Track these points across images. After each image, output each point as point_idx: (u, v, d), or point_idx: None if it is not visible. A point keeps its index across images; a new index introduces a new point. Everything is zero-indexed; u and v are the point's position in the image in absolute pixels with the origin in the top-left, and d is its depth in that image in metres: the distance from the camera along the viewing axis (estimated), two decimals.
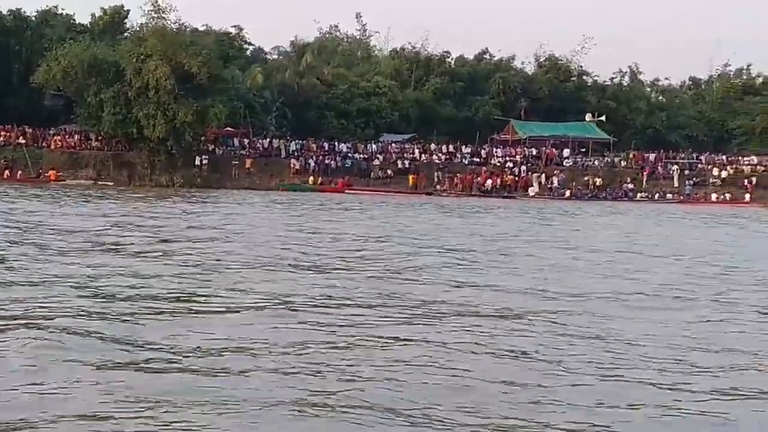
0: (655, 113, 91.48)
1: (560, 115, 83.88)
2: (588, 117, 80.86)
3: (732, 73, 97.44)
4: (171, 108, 64.02)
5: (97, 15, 76.40)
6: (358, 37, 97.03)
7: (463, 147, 75.32)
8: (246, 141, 70.85)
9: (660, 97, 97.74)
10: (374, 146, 73.72)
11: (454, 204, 52.91)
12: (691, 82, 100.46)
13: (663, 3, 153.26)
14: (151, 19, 67.31)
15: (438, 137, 79.32)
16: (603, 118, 79.86)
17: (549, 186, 71.41)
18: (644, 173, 73.75)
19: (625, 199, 70.32)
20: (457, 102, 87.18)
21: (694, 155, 78.49)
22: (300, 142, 72.20)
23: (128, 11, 74.41)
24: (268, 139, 71.88)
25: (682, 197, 71.11)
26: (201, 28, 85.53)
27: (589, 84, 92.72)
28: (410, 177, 70.00)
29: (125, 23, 74.50)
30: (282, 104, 78.22)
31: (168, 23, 67.27)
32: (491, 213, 43.45)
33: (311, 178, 68.55)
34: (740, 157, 77.91)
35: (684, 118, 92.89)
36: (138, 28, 70.34)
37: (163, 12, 66.94)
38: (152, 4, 66.77)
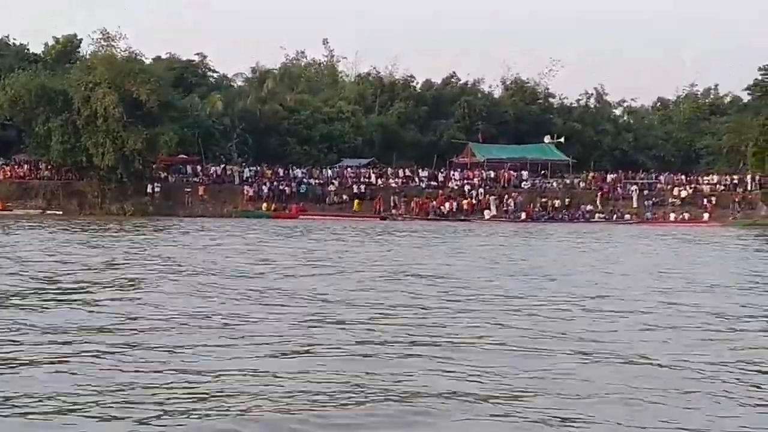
0: (622, 134, 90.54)
1: (526, 138, 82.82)
2: (547, 139, 79.82)
3: (699, 93, 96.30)
4: (120, 136, 63.27)
5: (50, 44, 75.51)
6: (324, 63, 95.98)
7: (420, 171, 74.18)
8: (199, 168, 69.65)
9: (628, 119, 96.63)
10: (329, 171, 72.49)
11: (400, 228, 51.51)
12: (659, 103, 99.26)
13: (630, 26, 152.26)
14: (101, 48, 66.47)
15: (401, 161, 78.35)
16: (562, 139, 78.68)
17: (505, 209, 70.13)
18: (599, 194, 72.44)
19: (582, 220, 69.06)
20: (422, 126, 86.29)
21: (653, 175, 77.18)
22: (253, 168, 70.96)
23: (80, 40, 73.71)
24: (221, 166, 70.56)
25: (639, 218, 69.82)
26: (164, 56, 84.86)
27: (555, 106, 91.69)
28: (355, 202, 68.66)
29: (78, 52, 73.50)
30: (243, 131, 77.29)
31: (117, 51, 66.24)
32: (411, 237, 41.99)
33: (264, 204, 67.32)
34: (699, 177, 76.60)
35: (651, 138, 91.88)
36: (88, 57, 69.25)
37: (113, 40, 66.19)
38: (101, 33, 66.02)
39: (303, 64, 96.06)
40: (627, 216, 70.51)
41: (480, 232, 47.48)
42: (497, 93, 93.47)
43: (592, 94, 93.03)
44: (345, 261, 23.57)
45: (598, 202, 71.74)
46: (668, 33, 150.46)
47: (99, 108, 62.85)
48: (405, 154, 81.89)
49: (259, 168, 71.41)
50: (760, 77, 76.20)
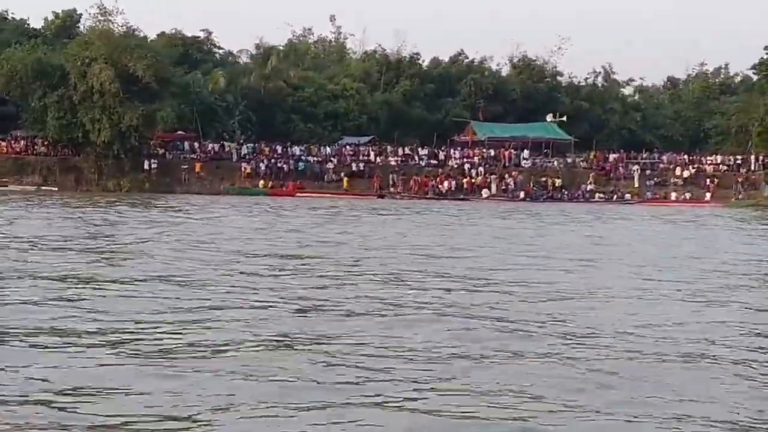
0: (629, 113, 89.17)
1: (532, 116, 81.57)
2: (549, 117, 78.54)
3: (710, 72, 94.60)
4: (116, 112, 62.64)
5: (49, 19, 74.97)
6: (332, 40, 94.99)
7: (420, 149, 73.21)
8: (196, 145, 68.98)
9: (637, 98, 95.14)
10: (328, 149, 71.65)
11: (393, 206, 50.76)
12: (669, 82, 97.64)
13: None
14: (98, 22, 65.83)
15: (407, 139, 77.48)
16: (564, 118, 77.41)
17: (503, 188, 69.15)
18: (592, 174, 71.27)
19: (582, 200, 68.02)
20: (428, 104, 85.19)
21: (656, 155, 75.86)
22: (251, 145, 70.25)
23: (80, 15, 73.03)
24: (219, 143, 69.88)
25: (640, 198, 68.71)
26: (169, 32, 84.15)
27: (563, 85, 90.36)
28: (345, 180, 67.79)
29: (78, 27, 72.83)
30: (246, 107, 76.49)
31: (114, 26, 65.61)
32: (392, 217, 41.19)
33: (261, 181, 66.61)
34: (702, 157, 75.28)
35: (660, 118, 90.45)
36: (85, 32, 68.67)
37: (110, 15, 65.48)
38: (98, 7, 65.39)
39: (310, 41, 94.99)
40: (627, 196, 69.42)
41: (462, 212, 46.65)
42: (505, 71, 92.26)
43: (599, 73, 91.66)
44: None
45: (591, 181, 70.47)
46: (678, 15, 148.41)
47: (95, 83, 62.13)
48: (410, 132, 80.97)
49: (256, 145, 70.56)
50: (766, 56, 74.52)
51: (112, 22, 65.64)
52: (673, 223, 39.78)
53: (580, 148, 77.96)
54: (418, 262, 18.25)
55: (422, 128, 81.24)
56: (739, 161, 73.65)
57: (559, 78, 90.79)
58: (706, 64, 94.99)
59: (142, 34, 69.33)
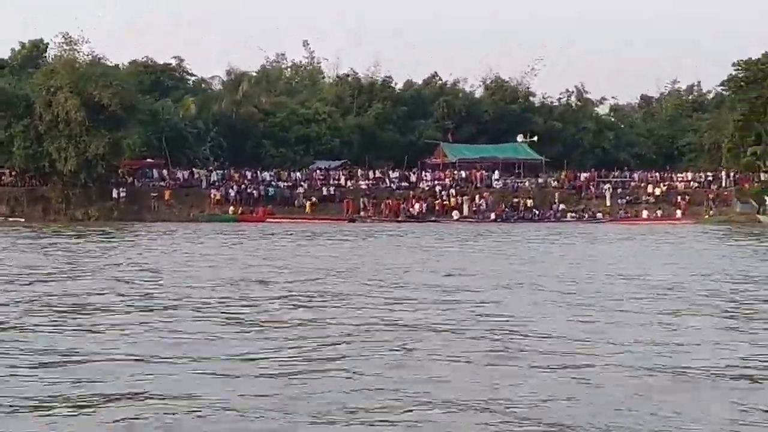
0: (603, 132, 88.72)
1: (505, 137, 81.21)
2: (520, 138, 78.23)
3: (682, 90, 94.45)
4: (83, 140, 62.16)
5: (16, 49, 74.42)
6: (304, 65, 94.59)
7: (391, 172, 72.79)
8: (165, 172, 68.39)
9: (611, 117, 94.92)
10: (298, 174, 71.15)
11: (361, 230, 50.14)
12: (642, 101, 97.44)
13: (613, 24, 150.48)
14: (63, 52, 65.28)
15: (380, 162, 77.14)
16: (535, 138, 77.14)
17: (474, 209, 68.68)
18: (558, 194, 70.83)
19: (553, 220, 67.55)
20: (401, 127, 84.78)
21: (627, 173, 75.54)
22: (220, 171, 69.70)
23: (47, 45, 72.35)
24: (188, 170, 69.34)
25: (612, 216, 68.32)
26: (141, 60, 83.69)
27: (536, 105, 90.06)
28: (308, 204, 67.26)
29: (45, 57, 72.27)
30: (217, 134, 76.02)
31: (80, 55, 65.07)
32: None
33: (231, 208, 65.99)
34: (673, 174, 75.04)
35: (633, 136, 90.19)
36: (51, 61, 68.20)
37: (75, 44, 64.91)
38: (63, 37, 64.88)
39: (283, 66, 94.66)
40: (599, 215, 69.03)
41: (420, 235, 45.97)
42: (478, 93, 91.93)
43: (572, 93, 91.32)
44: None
45: (556, 200, 70.15)
46: (649, 34, 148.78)
47: (61, 112, 61.69)
48: (384, 154, 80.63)
49: (226, 171, 70.02)
50: (734, 72, 74.40)
51: (78, 51, 65.14)
52: (641, 240, 39.19)
53: (554, 167, 77.73)
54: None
55: (395, 151, 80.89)
56: (710, 178, 73.44)
57: (531, 98, 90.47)
58: (678, 81, 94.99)
59: (109, 63, 68.40)
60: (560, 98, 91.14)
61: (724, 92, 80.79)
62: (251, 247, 32.37)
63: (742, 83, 73.59)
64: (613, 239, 41.12)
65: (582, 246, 35.46)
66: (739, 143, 72.95)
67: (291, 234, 43.38)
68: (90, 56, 65.81)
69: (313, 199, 67.93)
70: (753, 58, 73.59)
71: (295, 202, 68.13)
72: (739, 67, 73.62)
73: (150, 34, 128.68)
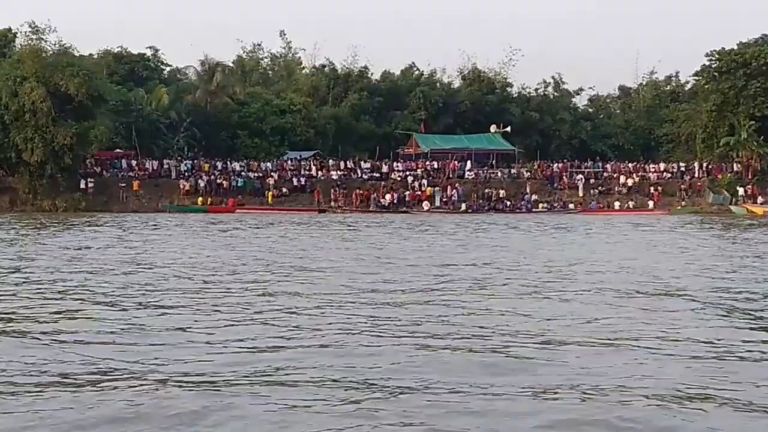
0: (580, 123, 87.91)
1: (483, 128, 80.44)
2: (493, 128, 77.52)
3: (660, 80, 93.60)
4: (49, 131, 61.20)
5: None
6: (282, 56, 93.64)
7: (363, 162, 72.00)
8: (134, 163, 67.59)
9: (588, 107, 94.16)
10: (269, 164, 70.37)
11: (325, 221, 49.46)
12: (620, 91, 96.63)
13: (589, 12, 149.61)
14: (29, 41, 64.40)
15: (355, 153, 76.43)
16: (508, 129, 76.44)
17: (444, 200, 67.98)
18: (529, 184, 70.35)
19: (525, 210, 66.84)
20: (376, 118, 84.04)
21: (599, 164, 74.80)
22: (190, 162, 68.93)
23: (15, 34, 71.28)
24: (157, 161, 68.54)
25: (584, 207, 67.66)
26: (115, 50, 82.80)
27: (513, 96, 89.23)
28: (269, 195, 66.55)
29: (13, 46, 71.21)
30: (191, 124, 75.17)
31: (47, 45, 64.26)
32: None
33: (200, 198, 65.24)
34: (646, 165, 74.34)
35: (611, 127, 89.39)
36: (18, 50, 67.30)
37: (42, 33, 64.09)
38: (29, 26, 64.06)
39: (260, 56, 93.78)
40: (571, 205, 68.38)
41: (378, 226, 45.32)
42: (456, 84, 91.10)
43: (549, 83, 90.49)
44: None
45: (527, 191, 69.53)
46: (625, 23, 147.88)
47: (27, 102, 60.89)
48: (360, 145, 79.97)
49: (195, 162, 69.26)
50: (707, 62, 73.64)
51: (44, 41, 64.34)
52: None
53: (532, 158, 77.09)
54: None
55: (371, 141, 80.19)
56: (683, 169, 72.75)
57: (509, 89, 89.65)
58: (656, 72, 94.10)
59: (77, 52, 67.42)
60: (537, 89, 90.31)
61: (696, 82, 79.91)
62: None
63: (715, 73, 72.80)
64: (568, 229, 40.49)
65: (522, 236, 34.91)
66: (713, 134, 72.27)
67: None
68: (57, 45, 65.01)
69: (274, 190, 67.17)
70: (726, 48, 72.82)
71: (265, 192, 67.35)
72: (713, 57, 72.84)
73: (125, 23, 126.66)
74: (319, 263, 20.59)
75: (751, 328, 11.50)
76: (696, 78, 78.43)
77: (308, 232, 36.64)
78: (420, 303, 13.48)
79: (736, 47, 73.25)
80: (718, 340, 10.43)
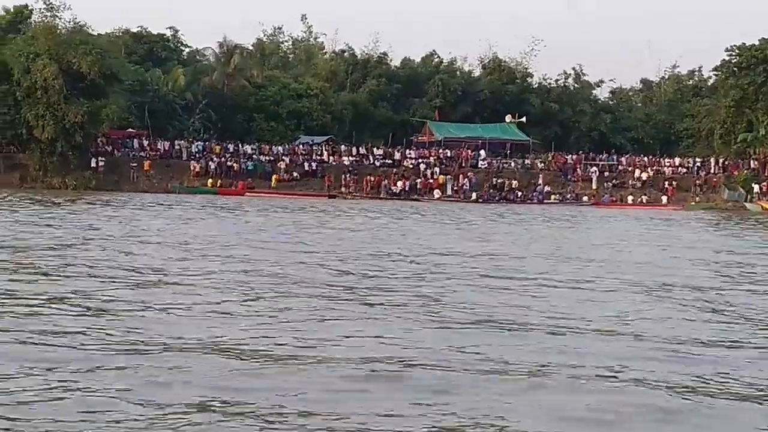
0: (600, 115, 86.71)
1: (501, 118, 79.44)
2: (508, 118, 76.59)
3: (683, 74, 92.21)
4: (60, 108, 60.84)
5: (0, 14, 73.21)
6: (303, 39, 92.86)
7: (375, 149, 71.26)
8: (146, 143, 67.22)
9: (610, 100, 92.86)
10: (280, 148, 69.79)
11: (333, 207, 49.00)
12: (642, 84, 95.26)
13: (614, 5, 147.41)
14: (44, 18, 64.15)
15: (372, 140, 75.63)
16: (524, 119, 75.46)
17: (455, 188, 67.21)
18: (542, 175, 69.30)
19: (536, 201, 65.95)
20: (394, 104, 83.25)
21: (614, 157, 73.66)
22: (200, 143, 68.47)
23: (31, 11, 70.93)
24: (169, 141, 68.13)
25: (597, 200, 66.71)
26: (135, 30, 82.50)
27: (533, 86, 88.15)
28: (274, 178, 66.00)
29: (29, 22, 70.90)
30: (207, 106, 74.78)
31: (60, 22, 63.99)
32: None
33: (210, 180, 64.79)
34: (661, 159, 73.17)
35: (631, 120, 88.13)
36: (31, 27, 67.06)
37: (56, 10, 63.86)
38: (44, 2, 63.78)
39: (281, 40, 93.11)
40: (585, 198, 67.41)
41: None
42: (477, 72, 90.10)
43: (570, 74, 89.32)
44: None
45: (540, 182, 68.49)
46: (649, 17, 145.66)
47: (39, 79, 60.57)
48: (378, 132, 79.15)
49: (207, 144, 68.80)
50: (727, 57, 72.26)
51: (59, 18, 64.07)
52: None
53: (551, 149, 76.06)
54: None
55: (388, 128, 79.31)
56: (699, 164, 71.53)
57: (529, 79, 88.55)
58: (678, 66, 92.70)
59: (92, 30, 67.09)
60: (557, 80, 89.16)
61: (716, 77, 78.47)
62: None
63: (735, 69, 71.45)
64: (571, 221, 39.74)
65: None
66: (731, 129, 70.98)
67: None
68: (72, 23, 64.66)
69: (286, 174, 66.60)
70: (747, 44, 71.43)
71: (279, 176, 66.81)
72: (733, 53, 71.47)
73: (146, 1, 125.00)
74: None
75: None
76: (716, 73, 76.91)
77: (307, 219, 36.11)
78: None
79: (757, 43, 71.88)
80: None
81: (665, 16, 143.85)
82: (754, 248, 25.92)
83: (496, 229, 31.67)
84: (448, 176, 68.49)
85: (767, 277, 17.74)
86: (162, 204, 43.34)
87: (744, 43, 71.36)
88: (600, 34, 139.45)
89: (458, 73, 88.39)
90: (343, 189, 66.52)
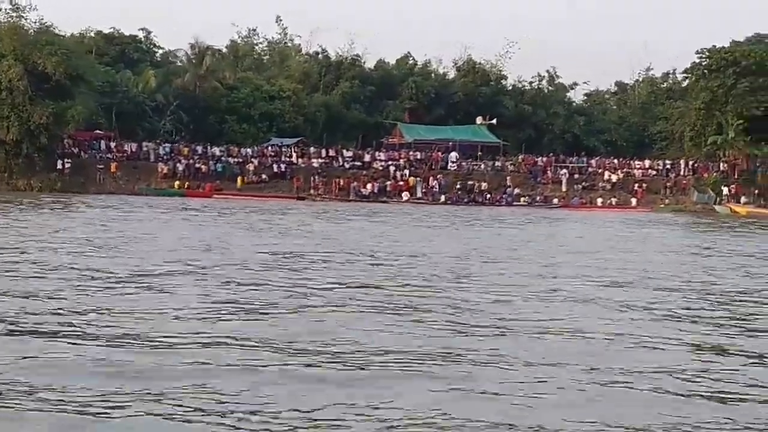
0: (573, 117, 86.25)
1: (474, 120, 78.93)
2: (479, 120, 76.10)
3: (657, 77, 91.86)
4: (26, 109, 60.12)
5: None
6: (278, 41, 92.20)
7: (345, 151, 70.67)
8: (113, 144, 66.47)
9: (584, 102, 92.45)
10: (249, 150, 69.14)
11: (297, 208, 48.44)
12: (617, 87, 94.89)
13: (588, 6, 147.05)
14: (9, 18, 63.46)
15: (345, 142, 74.98)
16: (494, 121, 74.95)
17: (424, 191, 66.68)
18: (509, 178, 68.83)
19: (504, 204, 65.45)
20: (368, 107, 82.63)
21: (584, 159, 73.18)
22: (168, 145, 67.78)
23: None
24: (137, 143, 67.38)
25: (566, 202, 66.26)
26: (106, 31, 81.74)
27: (507, 88, 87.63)
28: (239, 179, 65.28)
29: None
30: (178, 107, 74.11)
31: (27, 22, 63.31)
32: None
33: (177, 182, 64.10)
34: (631, 161, 72.76)
35: (605, 122, 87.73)
36: None
37: (22, 11, 63.14)
38: (10, 2, 63.05)
39: (255, 42, 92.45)
40: (555, 200, 66.93)
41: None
42: (452, 75, 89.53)
43: (544, 77, 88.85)
44: None
45: (509, 184, 67.95)
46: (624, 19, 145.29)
47: (4, 80, 60.00)
48: (351, 134, 78.50)
49: (174, 146, 68.10)
50: (698, 60, 71.89)
51: (24, 18, 63.35)
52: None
53: (520, 152, 75.54)
54: None
55: (361, 130, 78.71)
56: (668, 166, 71.16)
57: (503, 81, 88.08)
58: (652, 69, 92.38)
59: (59, 31, 66.34)
60: (531, 82, 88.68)
61: (688, 80, 78.09)
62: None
63: (705, 71, 71.10)
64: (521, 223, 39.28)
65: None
66: (701, 132, 70.57)
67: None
68: (38, 23, 64.00)
69: (254, 176, 65.99)
70: (717, 46, 71.12)
71: (244, 178, 66.16)
72: (703, 55, 71.11)
73: (120, 1, 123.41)
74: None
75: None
76: (687, 75, 76.52)
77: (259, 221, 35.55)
78: None
79: (730, 45, 71.59)
80: None
81: (663, 15, 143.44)
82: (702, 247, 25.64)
83: (441, 232, 31.25)
84: (418, 178, 67.93)
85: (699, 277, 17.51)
86: (117, 207, 42.60)
87: (714, 46, 71.04)
88: (598, 35, 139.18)
89: (433, 75, 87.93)
90: (312, 191, 65.92)
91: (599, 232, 34.39)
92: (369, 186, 66.67)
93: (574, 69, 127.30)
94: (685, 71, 75.62)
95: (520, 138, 79.31)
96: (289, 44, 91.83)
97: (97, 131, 67.66)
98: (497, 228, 35.25)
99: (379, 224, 34.29)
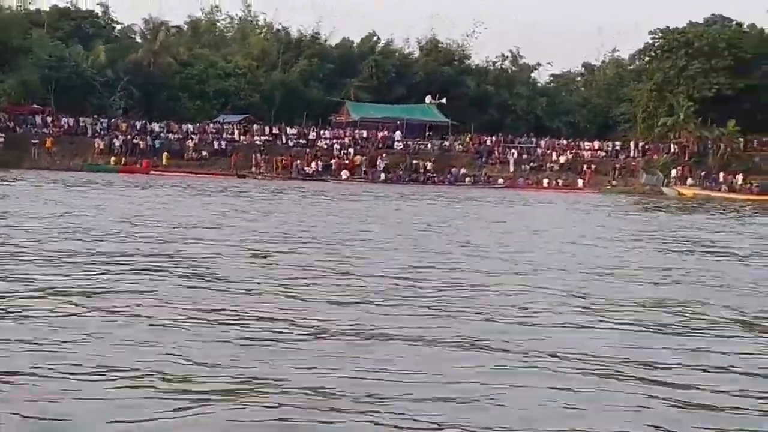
0: (537, 98, 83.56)
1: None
2: (428, 99, 73.57)
3: (624, 59, 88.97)
4: None
5: None
6: (242, 18, 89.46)
7: (288, 128, 68.23)
8: (50, 119, 64.14)
9: (548, 83, 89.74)
10: (190, 126, 66.74)
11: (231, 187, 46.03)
12: (584, 68, 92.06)
13: None
14: None
15: (303, 120, 72.48)
16: (444, 100, 72.38)
17: (364, 169, 64.29)
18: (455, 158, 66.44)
19: (448, 183, 63.02)
20: (327, 85, 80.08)
21: (533, 140, 70.58)
22: (106, 120, 65.38)
23: None
24: (74, 118, 64.94)
25: (513, 183, 63.80)
26: (62, 5, 79.51)
27: (471, 68, 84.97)
28: (164, 156, 62.70)
29: None
30: (129, 83, 71.69)
31: None
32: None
33: (113, 158, 61.74)
34: (581, 143, 70.15)
35: (569, 104, 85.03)
36: None
37: None
38: None
39: (218, 18, 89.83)
40: (501, 180, 64.44)
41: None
42: (417, 54, 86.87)
43: (507, 57, 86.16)
44: None
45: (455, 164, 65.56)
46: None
47: None
48: (312, 112, 75.93)
49: (112, 121, 65.73)
50: (650, 41, 69.15)
51: None
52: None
53: (488, 132, 72.63)
54: None
55: (319, 109, 76.10)
56: (618, 148, 68.57)
57: (467, 61, 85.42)
58: (618, 50, 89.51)
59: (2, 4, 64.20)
60: (495, 62, 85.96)
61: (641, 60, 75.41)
62: None
63: (657, 52, 68.36)
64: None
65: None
66: (653, 113, 67.95)
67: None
68: None
69: (194, 153, 63.61)
70: (671, 27, 68.38)
71: (184, 155, 63.80)
72: (656, 36, 68.36)
73: None
74: None
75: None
76: (638, 56, 73.84)
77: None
78: None
79: (687, 26, 68.87)
80: None
81: None
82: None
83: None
84: (364, 157, 65.54)
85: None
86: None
87: (668, 27, 68.29)
88: (543, 16, 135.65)
89: (396, 54, 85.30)
90: (253, 169, 63.57)
91: (514, 212, 32.01)
92: (313, 164, 64.27)
93: (553, 50, 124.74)
94: (639, 52, 72.78)
95: (482, 119, 76.74)
96: (253, 21, 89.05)
97: (34, 105, 65.21)
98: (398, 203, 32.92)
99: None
